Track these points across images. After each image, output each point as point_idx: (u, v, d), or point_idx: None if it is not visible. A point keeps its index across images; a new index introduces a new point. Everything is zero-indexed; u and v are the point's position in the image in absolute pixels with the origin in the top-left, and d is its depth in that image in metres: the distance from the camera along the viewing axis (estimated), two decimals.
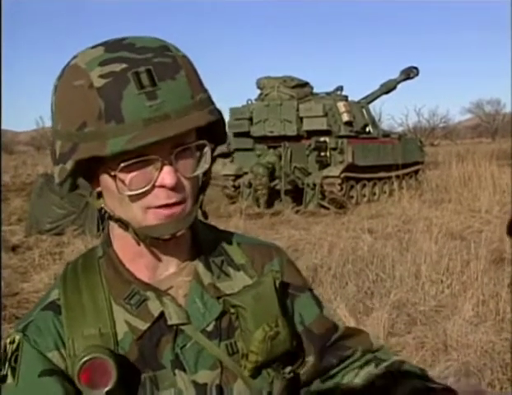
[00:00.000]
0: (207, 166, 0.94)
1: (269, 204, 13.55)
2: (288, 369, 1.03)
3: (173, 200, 0.89)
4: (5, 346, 0.95)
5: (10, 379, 0.91)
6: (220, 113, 0.94)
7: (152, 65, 0.86)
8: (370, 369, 1.07)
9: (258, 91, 15.23)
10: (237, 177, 14.15)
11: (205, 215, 1.03)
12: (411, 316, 5.35)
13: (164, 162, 0.88)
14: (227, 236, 1.10)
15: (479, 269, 6.03)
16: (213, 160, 0.96)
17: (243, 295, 0.99)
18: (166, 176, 0.88)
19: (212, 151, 0.95)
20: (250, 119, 14.47)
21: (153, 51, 0.87)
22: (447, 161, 16.56)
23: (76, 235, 9.51)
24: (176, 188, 0.89)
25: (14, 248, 8.93)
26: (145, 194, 0.89)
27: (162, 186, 0.88)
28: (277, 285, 1.01)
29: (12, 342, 0.94)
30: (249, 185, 13.79)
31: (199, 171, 0.94)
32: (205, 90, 0.92)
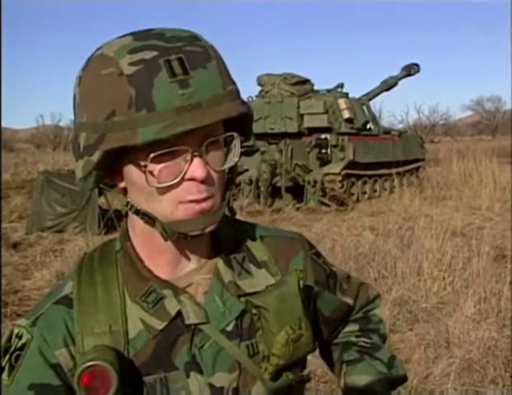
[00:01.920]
0: (236, 160, 0.91)
1: (270, 201, 13.54)
2: (306, 371, 1.02)
3: (203, 195, 0.87)
4: (10, 336, 0.93)
5: (5, 376, 0.90)
6: (249, 106, 0.91)
7: (184, 53, 0.83)
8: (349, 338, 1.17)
9: (259, 88, 15.24)
10: (237, 174, 14.10)
11: (232, 211, 1.00)
12: (413, 313, 5.34)
13: (194, 154, 0.85)
14: (249, 230, 1.07)
15: (481, 266, 6.03)
16: (240, 155, 0.93)
17: (266, 296, 0.96)
18: (197, 168, 0.85)
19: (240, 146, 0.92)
20: None
21: (183, 40, 0.85)
22: (447, 158, 16.58)
23: (77, 233, 9.51)
24: (206, 181, 0.86)
25: (15, 246, 8.95)
26: (174, 187, 0.86)
27: (192, 179, 0.85)
28: (302, 285, 0.98)
29: (19, 337, 0.92)
30: (250, 182, 13.78)
31: (229, 164, 0.91)
32: (234, 83, 0.90)
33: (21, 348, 0.91)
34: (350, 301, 1.16)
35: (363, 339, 1.16)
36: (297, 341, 0.96)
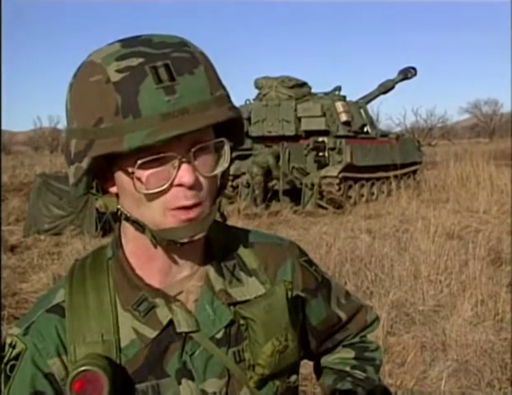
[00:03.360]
0: (226, 165, 0.91)
1: (267, 204, 13.54)
2: (293, 378, 1.04)
3: (191, 201, 0.87)
4: (3, 346, 0.94)
5: (1, 385, 0.91)
6: (239, 112, 0.91)
7: (170, 59, 0.83)
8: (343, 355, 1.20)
9: (257, 91, 15.23)
10: (235, 177, 14.13)
11: (223, 217, 1.00)
12: (410, 316, 5.35)
13: (182, 160, 0.85)
14: (240, 236, 1.07)
15: (477, 269, 6.04)
16: (231, 161, 0.93)
17: (254, 307, 0.97)
18: (185, 174, 0.85)
19: (231, 151, 0.92)
20: (248, 119, 14.45)
21: (171, 46, 0.85)
22: (445, 161, 16.60)
23: (74, 235, 9.50)
24: (194, 187, 0.86)
25: (12, 249, 8.91)
26: (162, 193, 0.86)
27: (180, 185, 0.86)
28: (289, 296, 1.00)
29: (13, 347, 0.92)
30: (247, 185, 13.78)
31: (218, 170, 0.91)
32: (224, 88, 0.90)
33: (16, 358, 0.91)
34: (343, 315, 1.17)
35: (358, 371, 1.18)
36: (283, 351, 0.97)
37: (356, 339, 1.21)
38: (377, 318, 1.24)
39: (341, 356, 1.20)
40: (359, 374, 1.17)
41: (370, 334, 1.23)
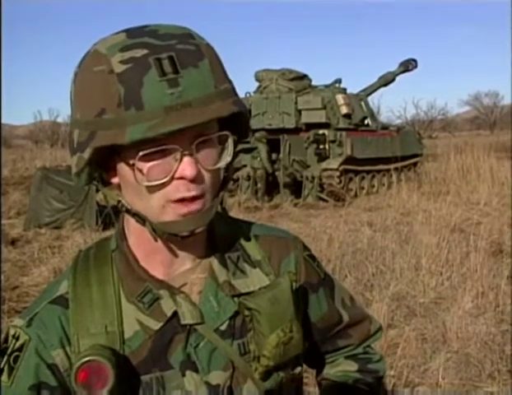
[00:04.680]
0: (229, 159, 0.90)
1: (269, 197, 13.54)
2: (298, 369, 1.04)
3: (192, 193, 0.86)
4: (6, 337, 0.94)
5: (5, 377, 0.91)
6: (244, 105, 0.91)
7: (175, 51, 0.82)
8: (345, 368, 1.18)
9: (257, 84, 15.21)
10: (236, 170, 14.08)
11: (225, 210, 1.00)
12: (411, 308, 5.36)
13: (184, 153, 0.84)
14: (244, 228, 1.07)
15: (478, 261, 6.05)
16: (236, 155, 0.92)
17: (259, 298, 0.96)
18: (186, 167, 0.84)
19: (235, 145, 0.91)
20: (249, 112, 14.36)
21: (176, 38, 0.84)
22: (445, 154, 16.58)
23: (75, 229, 9.50)
24: (196, 180, 0.86)
25: (13, 242, 8.92)
26: (164, 186, 0.85)
27: (182, 177, 0.85)
28: (294, 287, 0.99)
29: (17, 338, 0.92)
30: (248, 178, 13.77)
31: (221, 164, 0.90)
32: (229, 81, 0.89)
33: (19, 349, 0.92)
34: (345, 316, 1.16)
35: (361, 385, 1.17)
36: (288, 343, 0.97)
37: (359, 350, 1.20)
38: (380, 328, 1.23)
39: (343, 369, 1.19)
40: (362, 387, 1.16)
41: (374, 343, 1.22)
